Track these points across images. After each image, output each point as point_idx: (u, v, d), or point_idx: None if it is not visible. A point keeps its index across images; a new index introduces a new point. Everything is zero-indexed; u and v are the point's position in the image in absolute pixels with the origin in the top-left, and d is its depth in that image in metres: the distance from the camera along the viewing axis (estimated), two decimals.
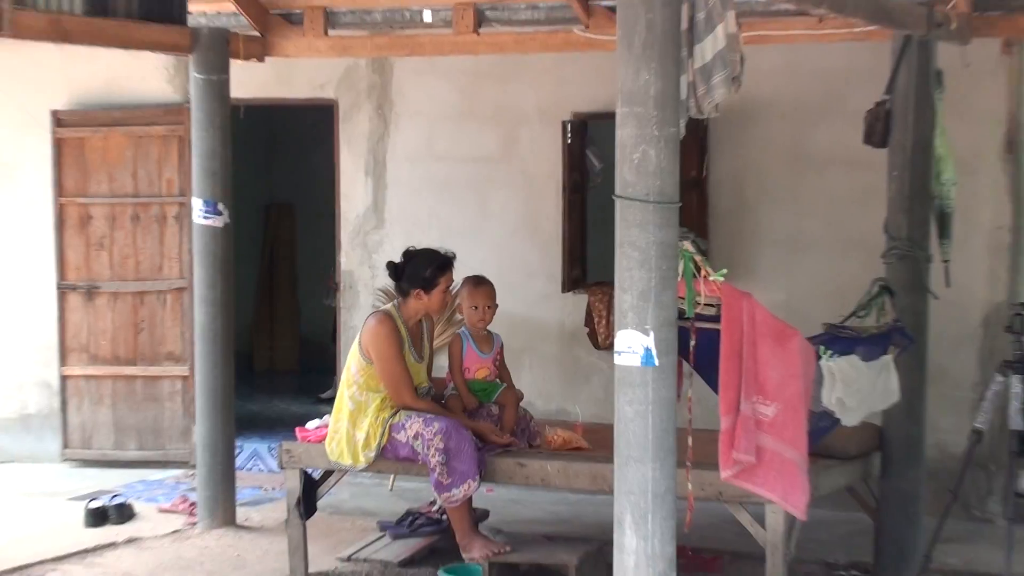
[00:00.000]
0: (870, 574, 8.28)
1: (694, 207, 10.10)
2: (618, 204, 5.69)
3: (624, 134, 5.65)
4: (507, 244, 10.52)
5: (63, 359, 11.54)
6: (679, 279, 5.98)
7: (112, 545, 8.96)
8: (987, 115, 9.48)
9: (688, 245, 6.17)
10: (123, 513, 9.61)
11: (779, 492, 6.61)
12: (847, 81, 8.79)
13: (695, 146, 10.05)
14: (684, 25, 5.66)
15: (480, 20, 9.45)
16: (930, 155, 8.06)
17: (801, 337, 6.69)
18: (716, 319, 6.53)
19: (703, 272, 6.34)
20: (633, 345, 5.63)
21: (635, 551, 5.67)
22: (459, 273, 8.20)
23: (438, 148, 11.02)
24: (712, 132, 10.09)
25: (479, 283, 8.25)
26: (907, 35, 7.92)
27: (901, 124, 7.99)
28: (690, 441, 6.36)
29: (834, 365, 7.05)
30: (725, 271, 6.57)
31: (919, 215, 8.07)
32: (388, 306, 8.06)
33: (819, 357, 7.02)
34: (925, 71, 7.98)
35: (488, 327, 8.31)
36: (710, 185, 10.21)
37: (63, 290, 11.51)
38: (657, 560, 5.65)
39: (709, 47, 5.66)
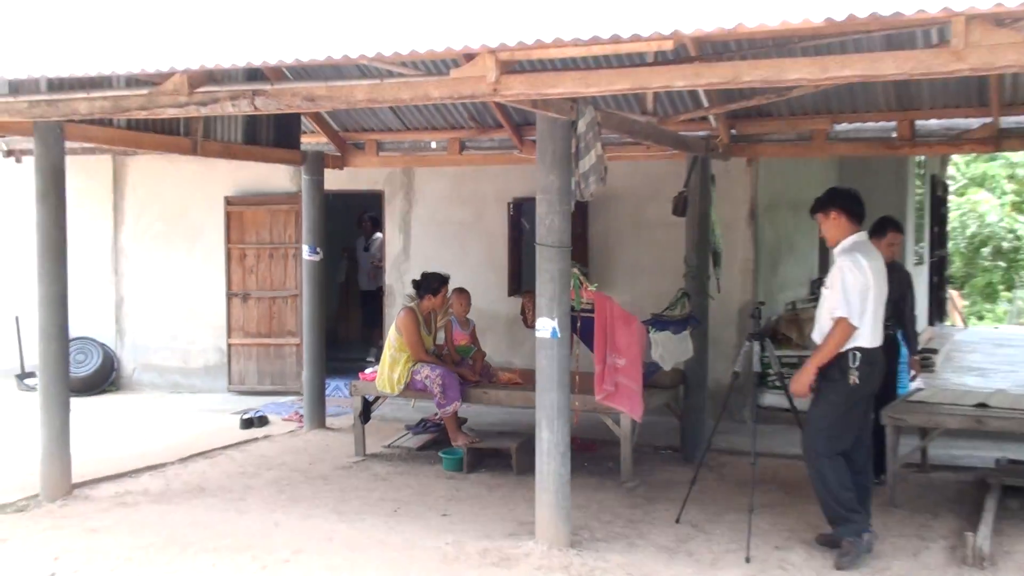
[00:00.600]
0: (678, 451, 8.35)
1: (581, 250, 10.18)
2: (538, 248, 5.80)
3: (540, 210, 5.78)
4: (478, 271, 10.56)
5: (229, 334, 11.54)
6: (571, 289, 6.07)
7: (254, 440, 9.00)
8: (740, 199, 9.66)
9: (576, 270, 6.26)
10: (262, 421, 9.66)
11: (627, 407, 6.75)
12: (663, 179, 8.82)
13: (581, 215, 10.13)
14: (573, 149, 5.74)
15: (463, 147, 9.52)
16: (708, 220, 8.21)
17: (639, 321, 6.82)
18: (591, 311, 6.63)
19: (584, 285, 6.44)
20: (546, 326, 5.75)
21: (547, 440, 5.79)
22: (452, 284, 8.32)
23: (439, 217, 11.07)
24: (591, 208, 10.16)
25: (462, 291, 8.34)
26: (695, 155, 8.06)
27: (692, 204, 8.14)
28: (577, 379, 6.44)
29: (657, 336, 7.20)
30: (596, 284, 6.69)
31: (702, 253, 8.21)
32: (411, 304, 8.11)
33: (649, 331, 7.14)
34: (705, 174, 8.14)
35: (467, 315, 8.39)
36: (589, 237, 10.30)
37: (230, 296, 11.52)
38: (559, 444, 5.77)
39: (587, 162, 5.75)
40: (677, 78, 4.71)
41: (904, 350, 8.25)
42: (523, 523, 6.19)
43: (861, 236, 5.74)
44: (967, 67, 4.19)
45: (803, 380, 5.67)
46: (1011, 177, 27.60)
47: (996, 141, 7.77)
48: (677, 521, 6.37)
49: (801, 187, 11.32)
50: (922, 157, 14.94)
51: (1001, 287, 26.69)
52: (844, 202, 5.73)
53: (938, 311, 17.56)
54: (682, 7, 4.60)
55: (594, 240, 10.32)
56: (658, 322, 7.64)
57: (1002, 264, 26.97)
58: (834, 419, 5.66)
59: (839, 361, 5.57)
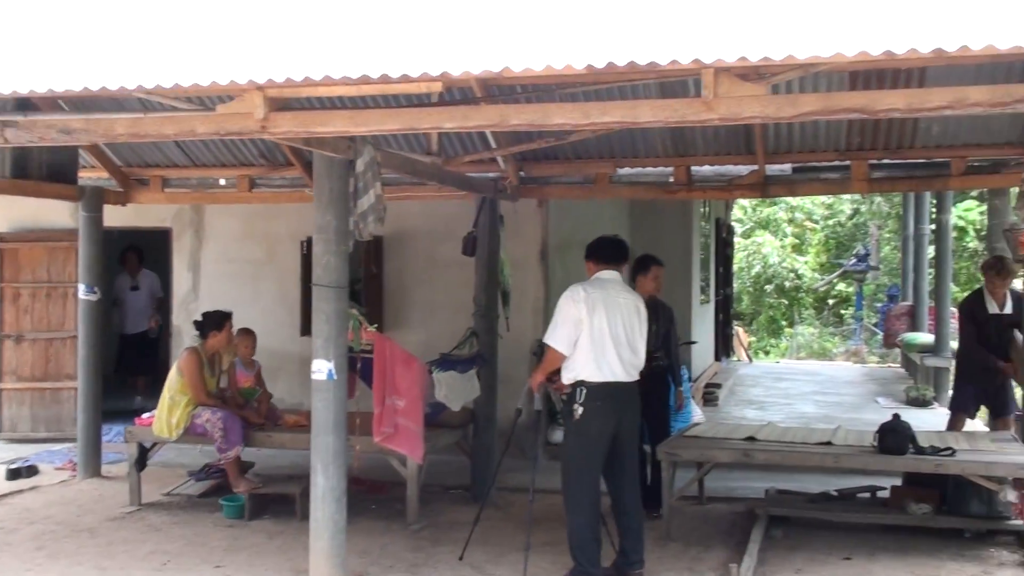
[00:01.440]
0: (468, 490, 8.26)
1: (375, 289, 10.06)
2: (315, 289, 5.63)
3: (317, 249, 5.63)
4: (271, 310, 10.27)
5: (1, 379, 10.66)
6: (350, 330, 5.92)
7: (19, 492, 8.34)
8: (531, 238, 9.75)
9: (355, 311, 6.11)
10: (31, 471, 8.92)
11: (407, 448, 6.63)
12: (457, 219, 8.71)
13: (376, 254, 10.01)
14: (351, 189, 5.62)
15: (253, 184, 9.22)
16: (496, 260, 8.23)
17: (419, 362, 6.72)
18: (371, 352, 6.49)
19: (364, 326, 6.29)
20: (322, 368, 5.58)
21: (322, 486, 5.60)
22: (246, 324, 8.10)
23: (230, 255, 10.70)
24: (386, 246, 10.07)
25: (247, 332, 8.03)
26: (483, 196, 8.07)
27: (481, 244, 8.14)
28: (357, 421, 6.29)
29: (441, 376, 7.11)
30: (376, 326, 6.55)
31: (491, 292, 8.22)
32: (196, 344, 7.74)
33: (432, 371, 7.06)
34: (493, 215, 8.16)
35: (252, 357, 8.07)
36: (384, 276, 10.15)
37: (1, 338, 10.64)
38: (334, 490, 5.59)
39: (365, 201, 5.63)
40: (446, 120, 4.69)
41: (686, 383, 8.55)
42: (300, 572, 5.93)
43: (603, 274, 5.88)
44: (716, 117, 4.33)
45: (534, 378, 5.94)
46: (791, 221, 29.29)
47: (763, 187, 8.16)
48: (460, 559, 6.28)
49: (592, 227, 11.46)
50: (706, 201, 15.63)
51: (784, 323, 28.18)
52: (589, 251, 6.04)
53: (724, 347, 18.31)
54: (457, 50, 4.58)
55: (389, 279, 10.18)
56: (444, 362, 7.57)
57: (785, 301, 28.51)
58: (573, 453, 5.74)
59: (569, 396, 5.68)
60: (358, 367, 6.41)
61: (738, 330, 21.04)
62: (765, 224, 29.19)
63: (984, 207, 21.77)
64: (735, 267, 25.79)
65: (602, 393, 5.63)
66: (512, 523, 7.27)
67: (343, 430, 5.59)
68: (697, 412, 10.27)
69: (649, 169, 8.50)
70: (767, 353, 25.99)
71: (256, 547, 6.70)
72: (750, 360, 20.76)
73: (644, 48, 4.23)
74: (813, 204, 29.16)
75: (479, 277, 8.19)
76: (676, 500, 7.21)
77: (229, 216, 10.52)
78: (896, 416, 6.80)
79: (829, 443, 7.06)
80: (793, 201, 29.04)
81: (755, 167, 8.12)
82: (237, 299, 9.88)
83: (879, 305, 23.53)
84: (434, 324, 9.74)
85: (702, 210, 15.20)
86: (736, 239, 27.27)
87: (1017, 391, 8.42)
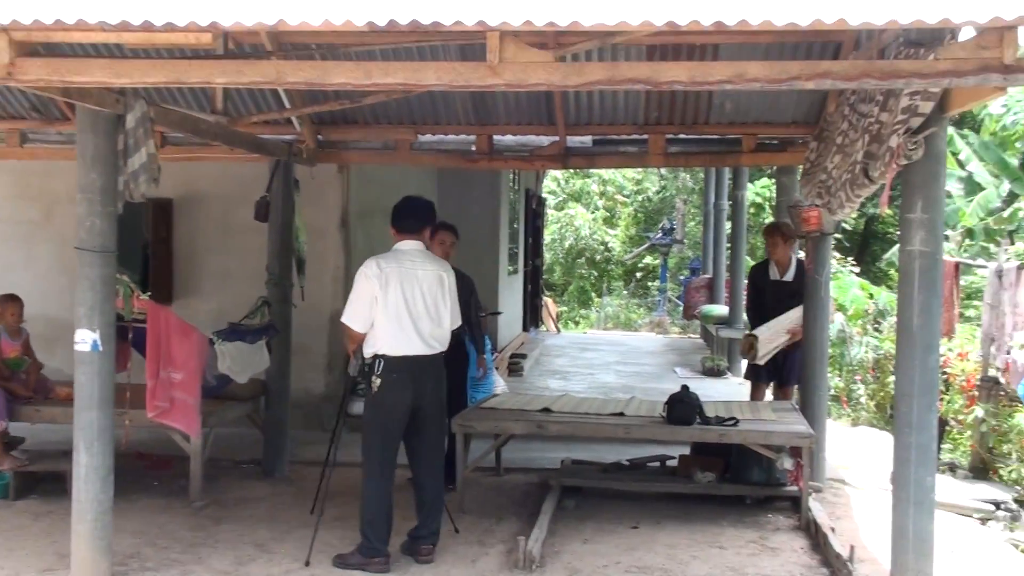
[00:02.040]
0: (260, 465, 7.95)
1: (164, 255, 9.52)
2: (78, 253, 5.20)
3: (81, 210, 5.21)
4: (48, 275, 9.56)
5: None
6: (119, 298, 5.51)
7: None
8: (331, 205, 9.46)
9: (125, 277, 5.71)
10: None
11: (183, 423, 6.32)
12: (254, 183, 8.24)
13: (165, 218, 9.47)
14: (120, 146, 5.22)
15: (24, 139, 8.49)
16: (291, 227, 7.91)
17: (198, 332, 6.36)
18: (145, 321, 6.09)
19: (136, 293, 5.89)
20: (86, 338, 5.17)
21: (85, 464, 5.20)
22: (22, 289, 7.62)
23: (3, 215, 9.88)
24: (176, 209, 9.56)
25: (12, 298, 7.40)
26: (277, 159, 7.73)
27: (275, 209, 7.81)
28: (128, 394, 5.90)
29: (224, 347, 6.76)
30: (150, 293, 6.14)
31: (285, 260, 7.91)
32: None
33: (215, 342, 6.70)
34: (288, 179, 7.84)
35: (20, 325, 7.45)
36: (174, 241, 9.63)
37: None
38: (99, 469, 5.21)
39: (136, 160, 5.26)
40: (217, 74, 4.36)
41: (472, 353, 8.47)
42: (63, 556, 5.50)
43: (402, 244, 5.72)
44: (502, 82, 4.20)
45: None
46: (603, 194, 29.91)
47: (564, 158, 8.14)
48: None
49: (398, 194, 11.29)
50: (517, 172, 15.66)
51: (594, 294, 28.81)
52: (392, 216, 5.83)
53: (533, 317, 18.49)
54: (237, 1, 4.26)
55: (180, 245, 9.66)
56: (232, 332, 7.21)
57: (595, 273, 29.13)
58: (370, 425, 5.63)
59: (369, 368, 5.57)
60: (130, 337, 6.00)
61: (547, 301, 21.31)
62: (577, 197, 29.68)
63: None
64: (547, 239, 26.12)
65: (399, 366, 5.52)
66: (304, 498, 7.01)
67: (109, 405, 5.19)
68: (499, 382, 10.18)
69: (451, 137, 8.34)
70: (576, 324, 26.51)
71: (19, 529, 6.22)
72: (558, 330, 21.08)
73: (429, 7, 4.06)
74: (624, 178, 29.85)
75: (272, 244, 7.86)
76: (472, 472, 7.17)
77: (1, 173, 9.71)
78: (685, 387, 6.94)
79: (622, 414, 7.14)
80: (605, 175, 29.66)
81: (556, 138, 8.09)
82: (8, 263, 9.16)
83: (682, 278, 24.33)
84: (227, 293, 9.30)
85: (511, 181, 15.22)
86: (549, 211, 27.63)
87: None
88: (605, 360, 15.56)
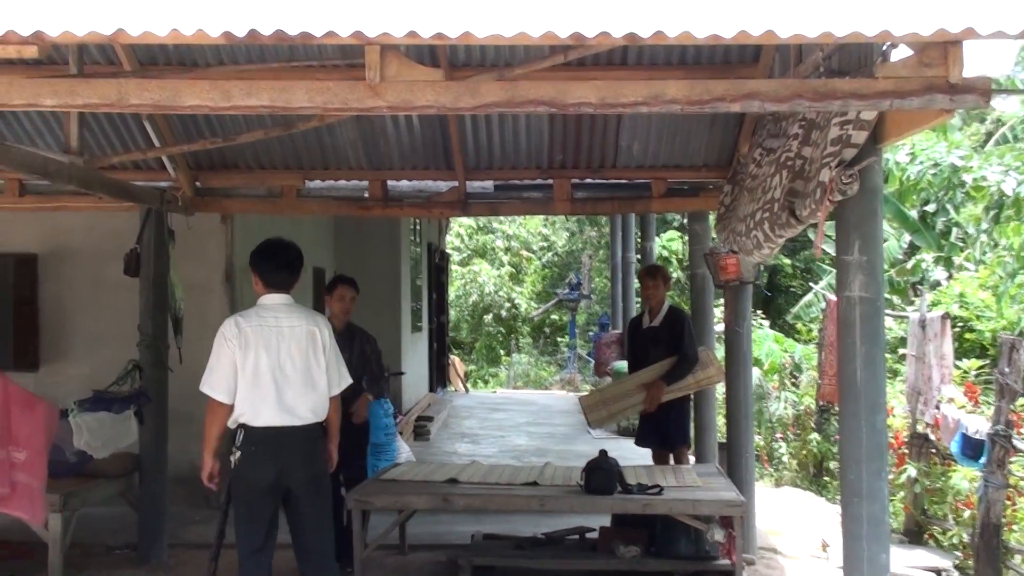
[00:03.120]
0: (136, 549, 7.09)
1: (28, 316, 8.63)
2: None
3: None
4: None
5: None
6: None
7: None
8: (214, 258, 8.66)
9: None
10: None
11: (26, 511, 5.38)
12: (126, 234, 7.43)
13: (28, 274, 8.62)
14: None
15: None
16: (166, 282, 7.15)
17: (46, 404, 5.53)
18: None
19: None
20: None
21: None
22: None
23: None
24: (41, 265, 8.71)
25: None
26: (148, 207, 7.00)
27: (146, 262, 7.06)
28: None
29: (80, 420, 5.93)
30: None
31: (159, 319, 7.13)
32: None
33: (71, 414, 5.88)
34: (160, 229, 7.10)
35: None
36: (39, 300, 8.72)
37: None
38: None
39: None
40: (46, 95, 3.65)
41: (384, 419, 7.81)
42: None
43: (267, 299, 4.98)
44: (384, 104, 3.62)
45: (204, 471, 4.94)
46: (508, 250, 29.50)
47: (463, 205, 7.59)
48: None
49: None
50: (417, 224, 15.06)
51: (502, 352, 28.22)
52: (253, 261, 5.06)
53: (439, 377, 17.78)
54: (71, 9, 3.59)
55: (46, 304, 8.76)
56: (97, 400, 6.40)
57: (503, 330, 28.57)
58: (236, 507, 4.91)
59: (232, 439, 4.86)
60: None
61: (454, 359, 20.62)
62: (482, 252, 29.21)
63: (687, 237, 22.73)
64: (452, 295, 25.51)
65: (260, 438, 4.77)
66: None
67: None
68: (403, 449, 9.47)
69: (342, 183, 7.73)
70: (486, 382, 25.84)
71: None
72: (466, 390, 20.37)
73: (298, 19, 3.46)
74: (530, 234, 29.54)
75: (144, 301, 7.08)
76: (375, 551, 6.45)
77: None
78: (603, 452, 6.34)
79: (535, 483, 6.51)
80: (510, 230, 29.29)
81: (455, 183, 7.55)
82: None
83: (591, 333, 23.91)
84: (100, 356, 8.40)
85: (412, 234, 14.61)
86: (454, 267, 27.06)
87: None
88: (516, 421, 14.91)
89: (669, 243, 22.36)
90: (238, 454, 4.77)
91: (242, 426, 4.79)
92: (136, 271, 7.03)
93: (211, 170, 7.53)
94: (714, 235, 8.03)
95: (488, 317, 28.09)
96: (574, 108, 3.62)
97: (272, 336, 4.83)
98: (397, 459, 8.90)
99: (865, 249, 4.20)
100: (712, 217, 8.31)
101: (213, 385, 4.79)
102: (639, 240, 14.81)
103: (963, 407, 7.57)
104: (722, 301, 8.18)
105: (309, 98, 3.62)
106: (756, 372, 11.95)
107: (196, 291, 7.93)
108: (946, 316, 7.98)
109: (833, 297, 11.66)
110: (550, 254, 29.35)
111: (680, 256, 22.66)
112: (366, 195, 7.63)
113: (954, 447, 7.16)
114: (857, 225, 4.22)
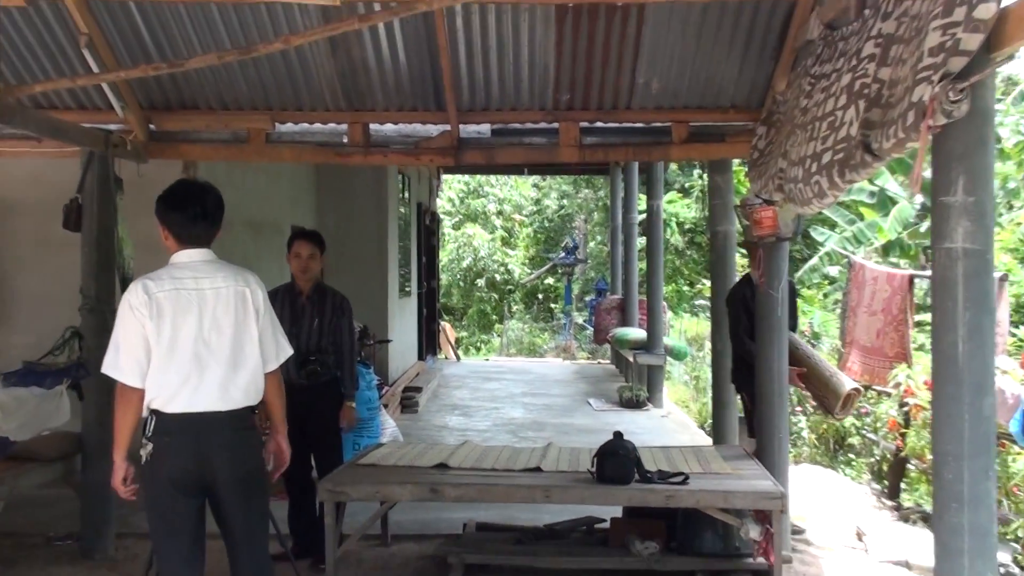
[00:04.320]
0: (79, 540, 6.19)
1: None
2: None
3: None
4: None
5: None
6: None
7: None
8: None
9: None
10: None
11: None
12: (75, 186, 6.46)
13: None
14: None
15: None
16: (111, 238, 6.18)
17: None
18: None
19: None
20: None
21: None
22: None
23: None
24: None
25: None
26: (90, 151, 6.02)
27: (88, 215, 6.08)
28: None
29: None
30: None
31: (104, 280, 6.16)
32: None
33: None
34: (106, 177, 6.11)
35: None
36: None
37: None
38: None
39: None
40: None
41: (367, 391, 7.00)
42: None
43: (180, 256, 3.99)
44: None
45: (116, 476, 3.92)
46: (500, 213, 28.56)
47: (456, 152, 6.62)
48: None
49: (264, 203, 9.69)
50: (407, 181, 14.06)
51: (495, 318, 27.32)
52: (158, 209, 4.04)
53: (429, 344, 16.87)
54: None
55: None
56: (27, 373, 5.47)
57: (496, 296, 27.67)
58: (148, 510, 3.93)
59: (143, 429, 3.90)
60: None
61: (445, 326, 19.69)
62: (474, 217, 28.27)
63: (689, 201, 21.74)
64: (443, 259, 24.58)
65: (175, 425, 3.81)
66: None
67: None
68: (388, 424, 8.63)
69: (317, 126, 6.76)
70: (478, 350, 24.97)
71: None
72: (458, 358, 19.46)
73: None
74: (522, 197, 28.59)
75: (85, 259, 6.12)
76: (358, 542, 5.57)
77: None
78: (617, 435, 5.42)
79: (538, 469, 5.61)
80: (501, 193, 28.34)
81: (447, 127, 6.59)
82: None
83: (588, 299, 23.04)
84: (46, 322, 7.34)
85: (401, 192, 13.63)
86: (446, 231, 26.12)
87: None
88: (510, 391, 14.01)
89: (668, 205, 21.42)
90: (149, 447, 3.81)
91: (153, 412, 3.83)
92: (77, 225, 6.07)
93: (167, 111, 6.56)
94: (739, 186, 7.09)
95: (481, 282, 27.17)
96: None
97: (192, 301, 3.87)
98: (381, 436, 8.05)
99: (972, 188, 3.28)
100: (736, 167, 7.39)
101: (120, 366, 3.81)
102: (641, 200, 13.87)
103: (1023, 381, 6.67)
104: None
105: None
106: None
107: (149, 249, 6.83)
108: (1004, 277, 7.05)
109: (858, 258, 10.76)
110: (541, 218, 28.39)
111: (680, 219, 21.75)
112: (345, 140, 6.67)
113: (1014, 426, 6.28)
114: (962, 157, 3.29)
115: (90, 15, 5.61)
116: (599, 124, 6.70)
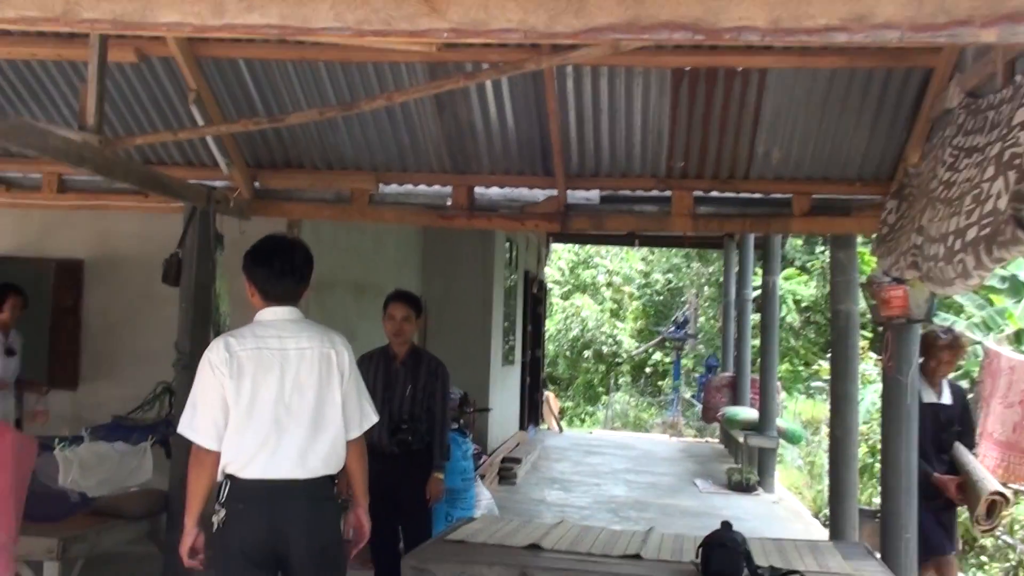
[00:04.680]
0: None
1: (70, 327, 7.71)
2: None
3: None
4: None
5: None
6: None
7: None
8: None
9: None
10: None
11: None
12: (159, 239, 6.47)
13: (74, 283, 7.71)
14: None
15: None
16: (209, 293, 6.11)
17: (14, 433, 4.44)
18: None
19: None
20: None
21: None
22: None
23: None
24: (88, 274, 7.84)
25: None
26: (193, 207, 5.97)
27: (187, 270, 6.01)
28: None
29: (70, 454, 4.87)
30: None
31: (200, 336, 6.04)
32: None
33: (58, 447, 4.82)
34: (206, 232, 6.04)
35: None
36: (84, 312, 7.84)
37: None
38: None
39: None
40: None
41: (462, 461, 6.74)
42: None
43: (266, 314, 3.81)
44: (446, 26, 2.43)
45: (184, 543, 3.75)
46: (609, 284, 28.24)
47: (563, 218, 6.36)
48: None
49: (368, 265, 9.60)
50: (514, 249, 13.89)
51: (601, 390, 26.85)
52: (245, 264, 3.87)
53: (531, 414, 16.53)
54: None
55: (91, 317, 7.88)
56: (116, 428, 5.37)
57: (602, 367, 27.22)
58: None
59: (216, 495, 3.69)
60: None
61: (549, 396, 19.33)
62: (583, 287, 28.02)
63: (808, 278, 21.02)
64: (551, 329, 24.32)
65: (250, 492, 3.60)
66: None
67: None
68: (484, 495, 8.33)
69: (422, 188, 6.60)
70: (582, 421, 24.51)
71: None
72: (560, 430, 19.05)
73: None
74: (632, 269, 28.24)
75: (182, 314, 6.03)
76: None
77: None
78: (726, 524, 4.98)
79: (638, 556, 5.19)
80: (610, 264, 28.04)
81: (554, 192, 6.35)
82: None
83: (697, 375, 22.42)
84: (149, 375, 7.40)
85: (508, 260, 13.46)
86: (554, 300, 25.91)
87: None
88: (613, 467, 13.54)
89: (784, 281, 20.76)
90: (222, 513, 3.61)
91: (228, 477, 3.63)
92: (176, 280, 6.01)
93: (272, 169, 6.51)
94: (863, 266, 6.63)
95: (587, 353, 26.78)
96: (731, 36, 2.37)
97: (274, 360, 3.68)
98: (475, 508, 7.75)
99: None
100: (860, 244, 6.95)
101: (195, 426, 3.64)
102: (756, 277, 13.40)
103: None
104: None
105: (336, 15, 2.44)
106: None
107: (249, 306, 6.88)
108: None
109: (993, 345, 10.03)
110: (650, 292, 27.93)
111: (798, 297, 21.04)
112: (449, 203, 6.50)
113: None
114: None
115: (199, 71, 5.59)
116: (714, 194, 6.38)
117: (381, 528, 5.77)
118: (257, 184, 6.55)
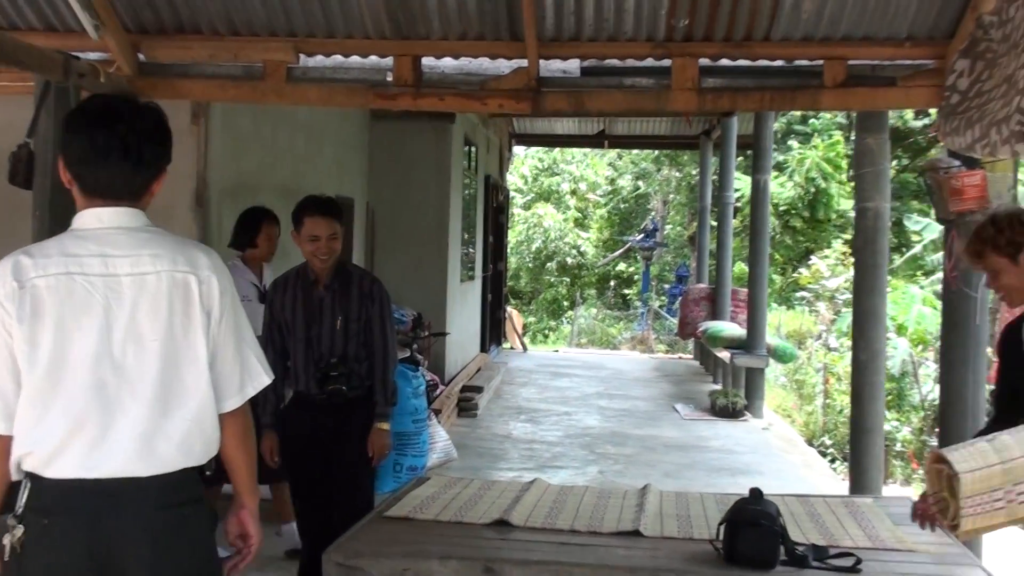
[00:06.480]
0: None
1: None
2: None
3: None
4: None
5: None
6: None
7: None
8: (181, 173, 6.07)
9: None
10: None
11: None
12: (12, 129, 4.94)
13: None
14: None
15: None
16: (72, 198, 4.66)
17: None
18: None
19: None
20: None
21: None
22: None
23: None
24: None
25: None
26: (46, 82, 4.53)
27: (41, 167, 4.58)
28: None
29: None
30: None
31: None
32: None
33: None
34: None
35: None
36: None
37: None
38: None
39: None
40: None
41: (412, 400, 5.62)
42: None
43: (86, 217, 2.41)
44: None
45: None
46: (574, 193, 26.99)
47: (534, 96, 5.00)
48: None
49: (300, 165, 8.20)
50: (472, 149, 12.46)
51: (566, 303, 25.77)
52: (62, 142, 2.46)
53: (494, 333, 15.32)
54: None
55: None
56: None
57: (566, 280, 26.11)
58: None
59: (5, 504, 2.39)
60: None
61: (511, 312, 18.13)
62: (547, 195, 26.72)
63: (784, 178, 19.73)
64: (512, 241, 23.10)
65: (62, 500, 2.30)
66: None
67: None
68: (440, 438, 7.07)
69: (355, 59, 5.20)
70: (546, 337, 23.42)
71: None
72: (524, 349, 17.89)
73: None
74: (597, 175, 26.99)
75: (38, 224, 4.59)
76: None
77: None
78: (756, 493, 3.74)
79: (636, 532, 3.97)
80: (576, 171, 26.77)
81: (523, 62, 4.98)
82: None
83: (666, 287, 21.36)
84: None
85: (466, 162, 12.05)
86: (516, 210, 24.67)
87: None
88: (583, 391, 12.39)
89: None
90: (18, 531, 2.29)
91: (28, 476, 2.33)
92: (28, 179, 4.59)
93: (162, 35, 5.05)
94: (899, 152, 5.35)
95: (551, 265, 25.59)
96: None
97: (95, 295, 2.34)
98: (429, 455, 6.57)
99: None
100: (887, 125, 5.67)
101: None
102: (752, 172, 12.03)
103: None
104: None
105: None
106: (903, 344, 9.31)
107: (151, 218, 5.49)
108: None
109: None
110: (616, 199, 26.67)
111: (774, 200, 19.86)
112: (389, 78, 5.09)
113: None
114: None
115: None
116: (725, 62, 5.04)
117: (312, 501, 4.55)
118: (142, 56, 5.10)
